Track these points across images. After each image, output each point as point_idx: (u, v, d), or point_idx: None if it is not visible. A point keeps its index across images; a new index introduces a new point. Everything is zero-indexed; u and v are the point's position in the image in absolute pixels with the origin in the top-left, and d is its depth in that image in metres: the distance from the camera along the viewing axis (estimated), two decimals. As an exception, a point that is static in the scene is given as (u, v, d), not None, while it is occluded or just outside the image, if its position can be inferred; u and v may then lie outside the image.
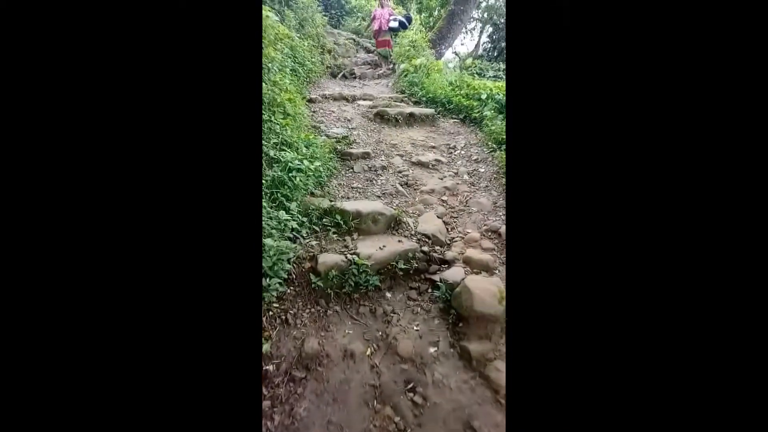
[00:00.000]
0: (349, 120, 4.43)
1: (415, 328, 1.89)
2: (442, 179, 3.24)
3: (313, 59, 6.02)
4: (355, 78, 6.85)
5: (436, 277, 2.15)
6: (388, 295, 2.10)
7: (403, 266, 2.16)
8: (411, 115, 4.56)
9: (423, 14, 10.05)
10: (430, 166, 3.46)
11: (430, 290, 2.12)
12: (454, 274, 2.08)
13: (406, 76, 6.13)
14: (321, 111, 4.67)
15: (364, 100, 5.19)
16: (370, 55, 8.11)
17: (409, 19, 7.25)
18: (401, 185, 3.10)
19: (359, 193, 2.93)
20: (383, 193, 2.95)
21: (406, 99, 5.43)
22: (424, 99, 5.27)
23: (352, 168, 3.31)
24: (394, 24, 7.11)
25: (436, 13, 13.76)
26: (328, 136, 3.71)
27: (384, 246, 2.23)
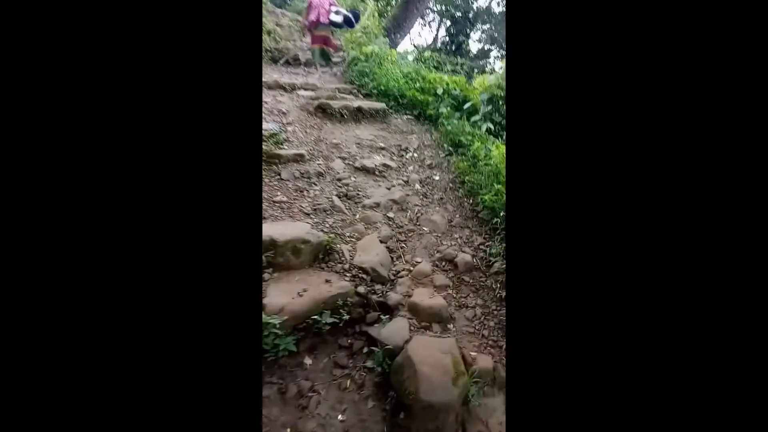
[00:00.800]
0: (284, 113, 3.71)
1: (339, 417, 1.33)
2: (389, 189, 2.69)
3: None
4: (299, 65, 6.05)
5: (374, 331, 1.60)
6: (308, 361, 1.52)
7: (329, 320, 1.58)
8: (359, 109, 3.94)
9: (378, 0, 9.39)
10: (377, 173, 2.89)
11: (365, 350, 1.57)
12: (395, 330, 1.55)
13: (355, 64, 5.47)
14: (251, 101, 3.90)
15: (306, 90, 4.47)
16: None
17: (357, 16, 5.64)
18: (339, 197, 2.50)
19: (283, 209, 2.28)
20: (315, 209, 2.33)
21: (354, 90, 4.79)
22: (374, 91, 4.67)
23: (279, 174, 2.65)
24: (337, 18, 5.31)
25: (393, 1, 13.18)
26: (252, 132, 3.00)
27: (305, 290, 1.64)
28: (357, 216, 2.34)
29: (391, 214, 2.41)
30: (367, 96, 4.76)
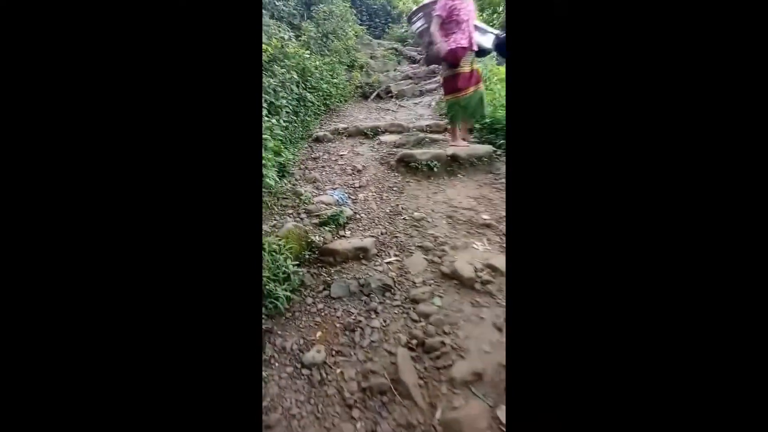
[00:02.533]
0: (358, 171, 2.91)
1: None
2: (500, 327, 1.51)
3: (335, 79, 4.67)
4: (390, 97, 5.31)
5: None
6: None
7: None
8: (453, 158, 2.86)
9: (486, 12, 8.13)
10: (477, 285, 1.72)
11: None
12: None
13: (454, 91, 4.40)
14: (325, 156, 3.24)
15: (391, 132, 3.60)
16: (414, 66, 6.51)
17: (503, 45, 3.03)
18: (411, 348, 1.44)
19: (307, 382, 1.35)
20: (364, 388, 1.30)
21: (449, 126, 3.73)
22: (478, 125, 3.51)
23: (328, 287, 1.77)
24: (487, 44, 3.10)
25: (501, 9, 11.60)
26: (308, 213, 2.24)
27: None
28: (438, 413, 1.23)
29: (499, 391, 1.23)
30: (468, 132, 3.62)
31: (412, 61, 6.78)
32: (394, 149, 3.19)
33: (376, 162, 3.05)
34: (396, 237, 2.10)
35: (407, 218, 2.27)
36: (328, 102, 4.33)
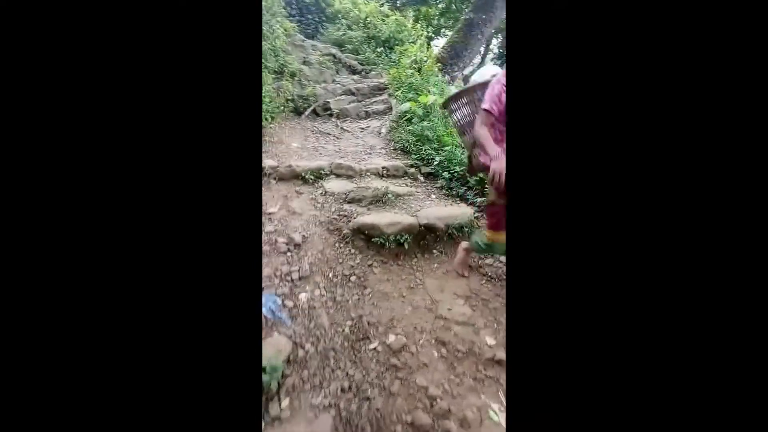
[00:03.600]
0: (296, 246, 1.98)
1: None
2: None
3: (263, 91, 3.57)
4: (330, 115, 4.40)
5: None
6: None
7: None
8: (429, 229, 2.14)
9: (421, 23, 7.68)
10: None
11: None
12: None
13: (408, 120, 3.71)
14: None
15: (338, 177, 2.73)
16: (356, 77, 5.67)
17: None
18: None
19: None
20: None
21: (412, 169, 3.02)
22: (444, 171, 2.87)
23: None
24: None
25: (437, 21, 11.41)
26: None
27: None
28: None
29: None
30: (431, 177, 2.95)
31: (352, 71, 5.93)
32: (346, 206, 2.33)
33: (322, 228, 2.15)
34: (367, 400, 1.27)
35: (380, 350, 1.47)
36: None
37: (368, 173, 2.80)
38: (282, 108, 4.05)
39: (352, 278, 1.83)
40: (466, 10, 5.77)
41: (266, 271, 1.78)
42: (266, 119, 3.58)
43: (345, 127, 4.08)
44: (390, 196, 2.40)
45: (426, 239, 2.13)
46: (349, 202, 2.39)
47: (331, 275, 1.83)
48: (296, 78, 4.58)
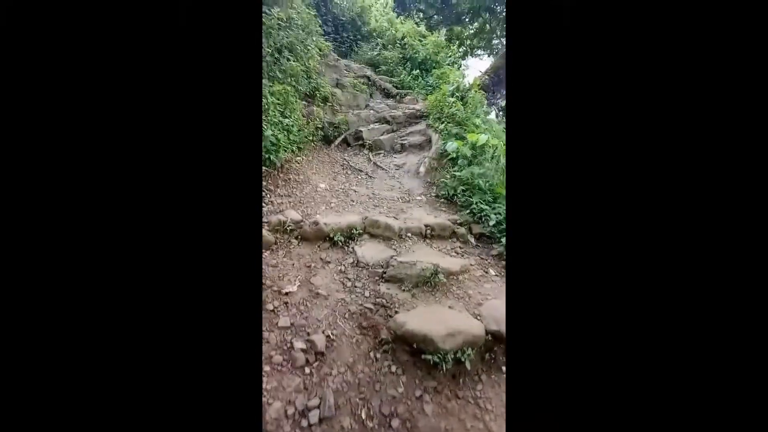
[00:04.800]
0: (318, 356, 1.45)
1: None
2: None
3: (287, 119, 3.11)
4: (361, 146, 3.91)
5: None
6: None
7: None
8: (495, 338, 1.56)
9: (454, 43, 7.15)
10: None
11: None
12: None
13: (453, 161, 3.16)
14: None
15: (372, 238, 2.20)
16: (390, 102, 5.20)
17: None
18: None
19: None
20: None
21: (462, 228, 2.44)
22: (503, 236, 2.29)
23: None
24: None
25: (470, 42, 10.93)
26: None
27: None
28: None
29: None
30: (486, 239, 2.37)
31: (387, 94, 5.47)
32: (383, 287, 1.78)
33: (353, 323, 1.61)
34: None
35: None
36: (271, 156, 2.76)
37: (409, 234, 2.25)
38: (311, 137, 3.60)
39: (394, 422, 1.26)
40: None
41: (276, 406, 1.24)
42: (293, 150, 3.11)
43: (378, 162, 3.57)
44: (440, 276, 1.83)
45: (493, 352, 1.55)
46: (387, 281, 1.84)
47: (364, 415, 1.27)
48: (329, 103, 4.14)
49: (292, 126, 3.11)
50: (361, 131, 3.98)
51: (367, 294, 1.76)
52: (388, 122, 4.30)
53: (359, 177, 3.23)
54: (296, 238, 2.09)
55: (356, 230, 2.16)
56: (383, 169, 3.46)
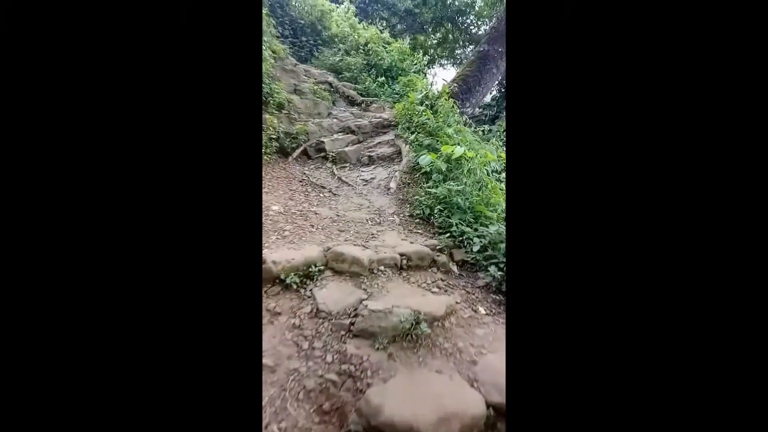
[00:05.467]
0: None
1: None
2: None
3: (233, 129, 2.62)
4: (324, 159, 3.48)
5: None
6: None
7: None
8: (498, 411, 1.20)
9: (417, 52, 7.00)
10: None
11: None
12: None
13: (428, 175, 2.83)
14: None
15: (336, 275, 1.77)
16: (355, 110, 4.83)
17: None
18: None
19: None
20: None
21: (442, 256, 2.09)
22: (490, 263, 1.97)
23: None
24: None
25: (434, 51, 10.92)
26: None
27: None
28: None
29: None
30: (469, 266, 2.04)
31: (351, 101, 5.09)
32: (351, 347, 1.36)
33: (310, 407, 1.17)
34: None
35: None
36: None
37: (381, 267, 1.86)
38: (264, 148, 3.11)
39: None
40: (483, 41, 5.08)
41: None
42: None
43: (343, 177, 3.16)
44: (423, 326, 1.45)
45: (496, 429, 1.18)
46: (356, 336, 1.42)
47: None
48: (285, 111, 3.68)
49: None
50: (323, 142, 3.55)
51: (329, 359, 1.33)
52: (353, 132, 3.91)
53: (321, 195, 2.80)
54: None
55: (316, 267, 1.73)
56: (349, 184, 3.05)
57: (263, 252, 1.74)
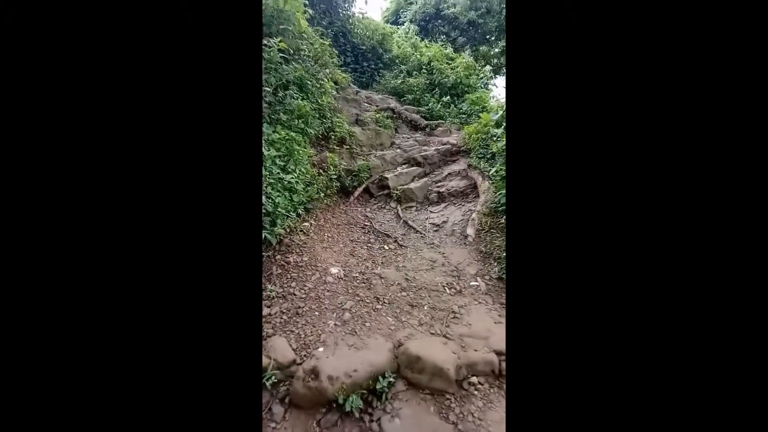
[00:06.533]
0: None
1: None
2: None
3: (290, 175, 2.35)
4: (388, 199, 3.08)
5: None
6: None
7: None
8: None
9: (480, 63, 6.28)
10: None
11: None
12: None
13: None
14: None
15: (411, 385, 1.29)
16: (419, 135, 4.40)
17: None
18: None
19: None
20: None
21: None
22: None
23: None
24: None
25: (497, 60, 10.10)
26: None
27: None
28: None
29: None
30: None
31: (414, 126, 4.68)
32: None
33: None
34: None
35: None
36: (264, 231, 1.96)
37: (473, 375, 1.32)
38: (324, 191, 2.82)
39: None
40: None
41: None
42: (298, 214, 2.33)
43: (410, 220, 2.71)
44: None
45: None
46: None
47: None
48: (345, 145, 3.40)
49: (297, 183, 2.34)
50: (386, 178, 3.16)
51: None
52: (419, 163, 3.47)
53: (386, 247, 2.37)
54: (282, 402, 1.22)
55: (384, 378, 1.27)
56: (417, 230, 2.58)
57: (316, 356, 1.33)
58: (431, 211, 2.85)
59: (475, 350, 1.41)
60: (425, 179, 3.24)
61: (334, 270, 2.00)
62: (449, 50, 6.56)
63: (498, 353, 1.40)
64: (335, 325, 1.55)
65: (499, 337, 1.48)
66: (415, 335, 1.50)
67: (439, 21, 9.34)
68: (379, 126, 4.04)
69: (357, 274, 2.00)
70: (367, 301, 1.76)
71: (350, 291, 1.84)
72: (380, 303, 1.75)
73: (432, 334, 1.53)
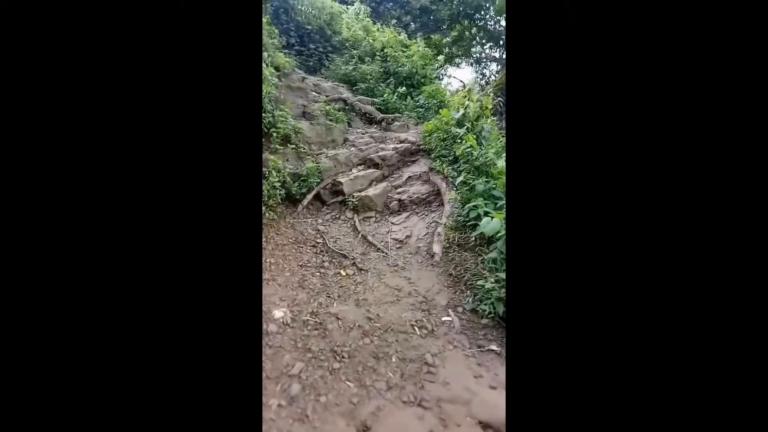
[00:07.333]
0: None
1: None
2: None
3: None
4: (343, 207, 2.69)
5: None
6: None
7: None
8: None
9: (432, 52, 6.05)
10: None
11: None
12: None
13: (488, 238, 1.99)
14: None
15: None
16: (375, 131, 4.00)
17: None
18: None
19: None
20: None
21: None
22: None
23: None
24: None
25: (449, 50, 9.95)
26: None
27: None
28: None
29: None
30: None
31: (369, 119, 4.26)
32: None
33: None
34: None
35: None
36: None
37: (458, 463, 1.05)
38: (265, 201, 2.33)
39: None
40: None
41: None
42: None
43: (369, 235, 2.36)
44: None
45: None
46: None
47: None
48: (291, 144, 2.89)
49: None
50: (340, 182, 2.75)
51: None
52: (376, 165, 3.10)
53: (342, 273, 2.00)
54: None
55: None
56: (378, 248, 2.25)
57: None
58: (393, 223, 2.53)
59: (458, 425, 1.14)
60: (384, 184, 2.89)
61: (278, 314, 1.59)
62: (403, 36, 6.16)
63: (484, 425, 1.15)
64: (279, 407, 1.17)
65: (482, 399, 1.23)
66: (384, 408, 1.19)
67: (391, 4, 8.85)
68: (330, 120, 3.56)
69: (308, 317, 1.61)
70: (322, 357, 1.39)
71: (299, 344, 1.45)
72: (338, 359, 1.40)
73: (404, 402, 1.22)
